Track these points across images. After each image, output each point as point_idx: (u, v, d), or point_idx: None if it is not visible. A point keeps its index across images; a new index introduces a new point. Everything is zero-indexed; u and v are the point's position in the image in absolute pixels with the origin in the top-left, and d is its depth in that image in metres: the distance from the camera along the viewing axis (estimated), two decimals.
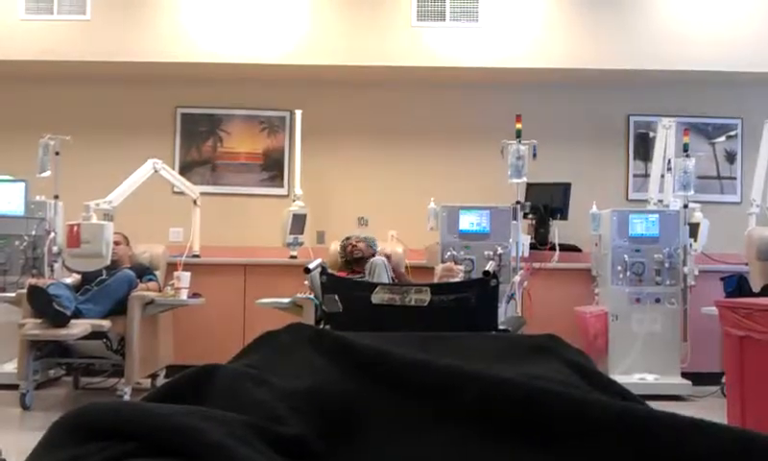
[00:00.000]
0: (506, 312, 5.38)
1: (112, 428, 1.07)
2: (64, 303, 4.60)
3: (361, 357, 1.37)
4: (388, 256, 4.89)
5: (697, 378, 5.47)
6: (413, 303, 1.97)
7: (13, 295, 5.01)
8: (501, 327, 2.08)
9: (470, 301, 2.00)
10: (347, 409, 1.28)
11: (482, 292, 2.00)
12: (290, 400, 1.25)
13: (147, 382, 5.44)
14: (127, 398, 4.79)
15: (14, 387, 4.85)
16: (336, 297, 2.03)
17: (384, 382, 1.31)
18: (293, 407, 1.22)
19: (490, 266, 2.38)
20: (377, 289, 2.02)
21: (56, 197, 5.63)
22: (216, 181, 6.79)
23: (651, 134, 6.49)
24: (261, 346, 1.52)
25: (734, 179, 6.88)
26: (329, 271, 4.34)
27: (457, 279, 4.54)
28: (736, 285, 5.06)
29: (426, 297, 1.98)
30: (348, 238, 5.43)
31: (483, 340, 1.61)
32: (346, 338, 1.46)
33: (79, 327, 4.53)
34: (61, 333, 4.53)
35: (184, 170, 6.68)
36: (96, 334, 4.73)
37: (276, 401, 1.24)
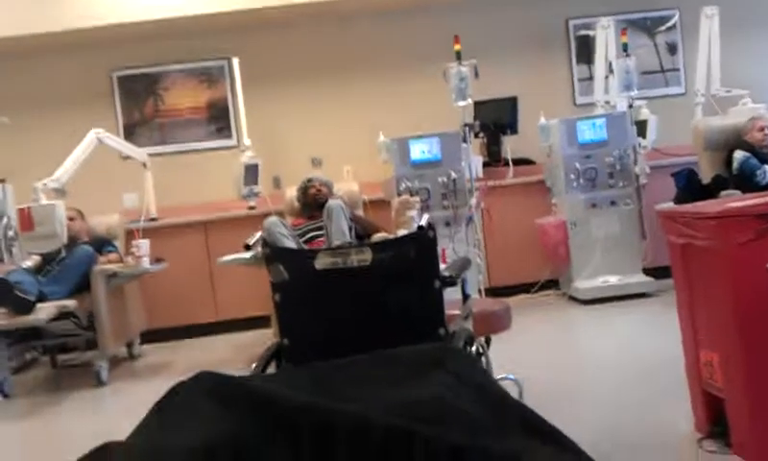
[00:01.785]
0: (466, 235, 5.49)
1: None
2: (27, 288, 4.58)
3: (254, 403, 1.55)
4: (341, 199, 4.86)
5: (660, 273, 5.54)
6: (355, 263, 2.01)
7: None
8: (445, 273, 2.13)
9: (410, 255, 2.04)
10: (241, 457, 1.44)
11: (421, 245, 2.04)
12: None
13: (124, 351, 5.51)
14: (104, 371, 4.84)
15: None
16: (281, 266, 2.06)
17: (276, 427, 1.49)
18: None
19: (424, 220, 2.42)
20: (320, 255, 2.05)
21: (2, 181, 5.53)
22: (163, 141, 6.67)
23: (592, 35, 6.47)
24: (165, 406, 1.65)
25: (678, 70, 6.93)
26: (281, 225, 4.38)
27: (414, 211, 4.56)
28: (687, 179, 5.13)
29: (368, 256, 2.02)
30: (309, 180, 5.23)
31: (381, 363, 1.77)
32: (244, 385, 1.65)
33: (44, 311, 4.53)
34: (28, 320, 4.52)
35: (129, 134, 6.58)
36: (65, 314, 4.74)
37: None
